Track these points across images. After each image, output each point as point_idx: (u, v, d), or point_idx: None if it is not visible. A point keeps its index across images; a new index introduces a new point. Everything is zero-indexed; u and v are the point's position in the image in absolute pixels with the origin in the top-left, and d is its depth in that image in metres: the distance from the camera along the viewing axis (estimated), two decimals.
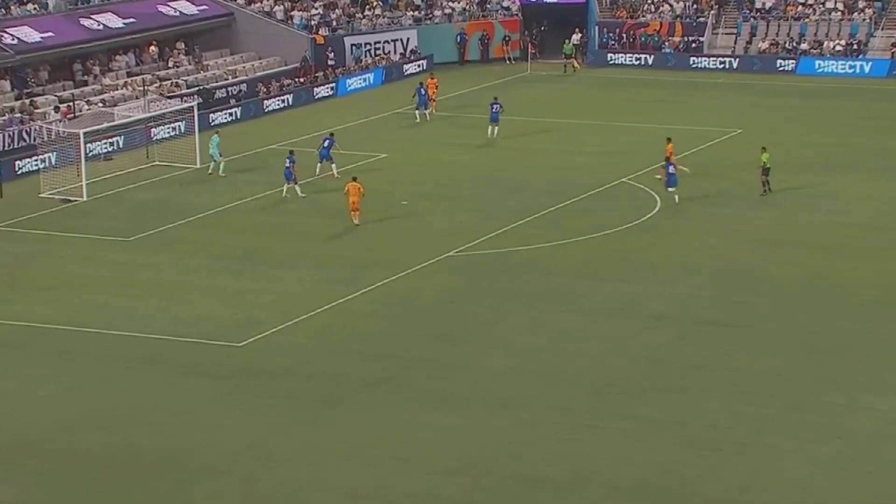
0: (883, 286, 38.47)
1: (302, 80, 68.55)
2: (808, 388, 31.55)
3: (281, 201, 48.65)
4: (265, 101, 64.73)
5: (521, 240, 43.54)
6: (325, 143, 51.32)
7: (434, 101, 62.02)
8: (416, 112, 61.42)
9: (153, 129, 56.51)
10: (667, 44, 76.62)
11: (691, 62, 74.41)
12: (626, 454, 28.36)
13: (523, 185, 50.48)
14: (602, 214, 45.74)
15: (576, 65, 73.68)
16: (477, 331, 35.84)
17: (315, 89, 67.89)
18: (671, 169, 47.15)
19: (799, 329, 35.38)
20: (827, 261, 40.95)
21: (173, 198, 49.81)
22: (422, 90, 61.58)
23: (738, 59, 74.34)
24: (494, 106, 57.62)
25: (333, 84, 69.14)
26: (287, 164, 48.26)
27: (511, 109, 60.15)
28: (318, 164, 51.23)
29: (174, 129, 57.56)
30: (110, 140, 55.69)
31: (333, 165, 50.90)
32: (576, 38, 77.68)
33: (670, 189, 46.83)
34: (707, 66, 74.11)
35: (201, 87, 63.66)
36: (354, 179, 44.69)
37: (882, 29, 74.61)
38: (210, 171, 51.76)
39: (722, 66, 74.16)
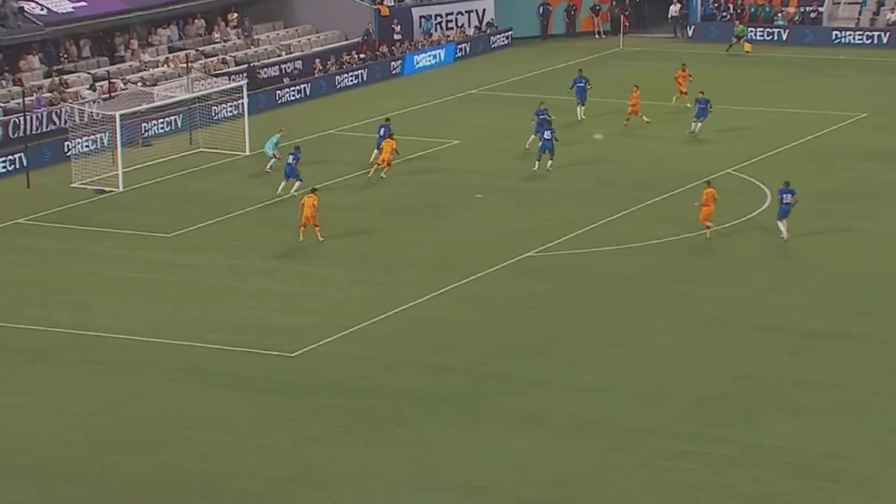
0: None
1: (364, 56, 68.73)
2: None
3: (335, 195, 48.79)
4: (323, 81, 64.93)
5: (609, 239, 43.35)
6: (381, 132, 51.31)
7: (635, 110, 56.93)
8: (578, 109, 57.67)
9: (198, 111, 56.89)
10: (780, 15, 75.87)
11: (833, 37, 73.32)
12: (729, 484, 28.12)
13: (613, 176, 50.27)
14: (693, 212, 45.32)
15: (747, 47, 71.60)
16: (558, 342, 35.73)
17: (379, 67, 68.03)
18: (787, 198, 42.82)
19: None
20: None
21: (218, 189, 50.19)
22: (580, 81, 58.18)
23: (863, 33, 73.42)
24: (580, 81, 57.28)
25: (400, 61, 69.28)
26: (290, 161, 47.91)
27: (601, 90, 59.88)
28: (374, 153, 51.25)
29: (221, 111, 57.89)
30: (150, 123, 56.20)
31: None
32: (674, 8, 77.22)
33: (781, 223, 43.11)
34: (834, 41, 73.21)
35: (250, 65, 64.06)
36: (314, 191, 43.67)
37: None
38: (268, 169, 51.80)
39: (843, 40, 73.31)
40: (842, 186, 48.61)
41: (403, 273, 40.89)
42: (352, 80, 66.27)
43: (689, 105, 57.43)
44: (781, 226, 43.00)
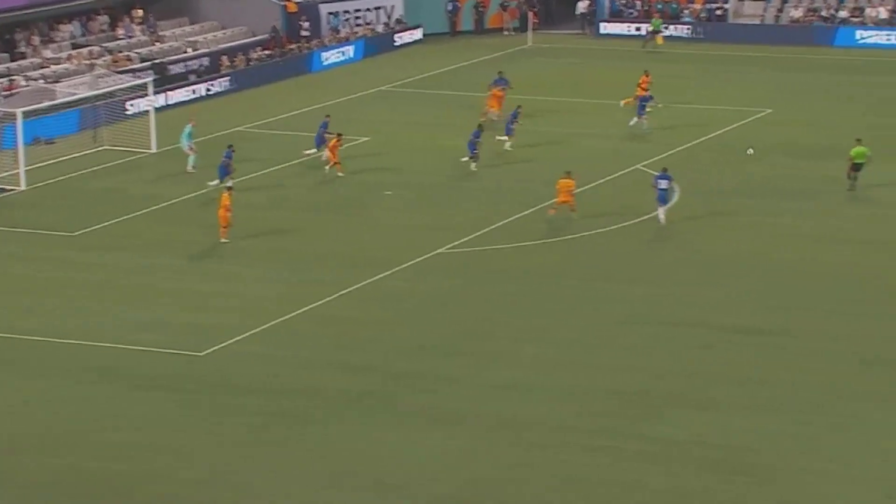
0: None
1: (272, 53, 68.31)
2: (854, 406, 31.48)
3: (251, 192, 48.43)
4: (230, 78, 64.46)
5: (522, 235, 43.42)
6: (321, 129, 51.22)
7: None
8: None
9: (101, 109, 56.21)
10: (686, 11, 76.59)
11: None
12: (644, 479, 28.25)
13: (525, 172, 50.36)
14: (614, 206, 45.61)
15: (659, 41, 72.56)
16: (472, 340, 35.70)
17: (287, 64, 67.65)
18: (663, 184, 43.86)
19: (845, 338, 35.31)
20: (879, 260, 40.90)
21: (124, 187, 49.61)
22: (501, 82, 57.97)
23: (767, 29, 74.38)
24: (500, 82, 57.14)
25: (307, 58, 68.94)
26: (225, 158, 47.68)
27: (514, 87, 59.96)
28: (318, 150, 50.87)
29: (126, 108, 57.27)
30: (52, 121, 55.40)
31: (317, 149, 50.82)
32: (582, 5, 77.67)
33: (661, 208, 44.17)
34: (733, 37, 74.17)
35: (156, 61, 63.43)
36: (228, 190, 43.37)
37: None
38: (191, 168, 51.22)
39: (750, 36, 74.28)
40: (750, 182, 49.07)
41: (315, 271, 40.67)
42: (260, 77, 65.83)
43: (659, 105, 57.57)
44: (660, 212, 43.78)
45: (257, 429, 30.80)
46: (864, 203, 46.23)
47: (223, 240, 42.77)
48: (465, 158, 50.03)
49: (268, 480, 28.44)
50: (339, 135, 50.09)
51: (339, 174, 49.39)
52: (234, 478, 28.61)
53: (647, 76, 58.69)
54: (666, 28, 74.05)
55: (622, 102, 56.91)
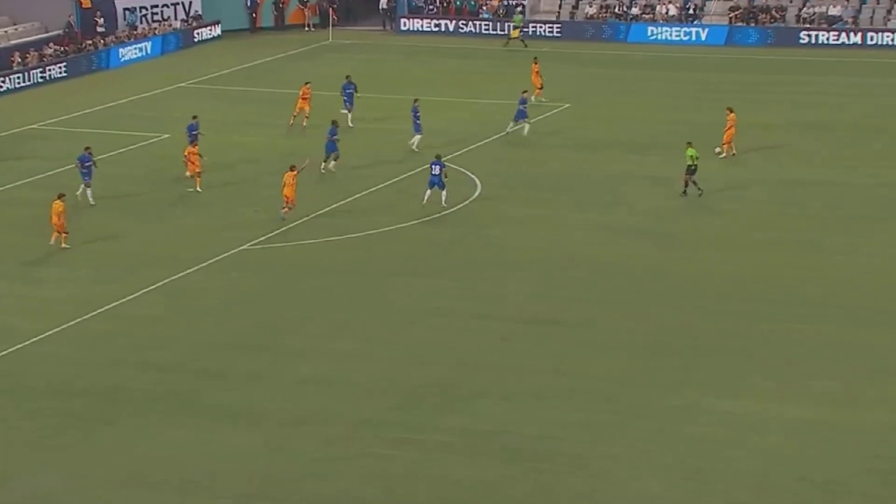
0: (724, 277, 39.54)
1: (67, 49, 66.96)
2: (648, 392, 32.22)
3: (36, 191, 47.44)
4: (22, 74, 62.99)
5: (323, 231, 43.39)
6: (190, 130, 49.24)
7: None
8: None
9: None
10: (484, 8, 77.43)
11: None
12: (446, 471, 28.51)
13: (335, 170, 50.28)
14: (415, 201, 45.87)
15: (514, 34, 72.51)
16: (274, 337, 35.56)
17: (81, 60, 66.39)
18: (435, 170, 44.99)
19: (636, 327, 36.09)
20: (664, 251, 41.88)
21: None
22: (349, 87, 56.18)
23: (564, 26, 75.66)
24: (349, 87, 55.72)
25: (104, 54, 67.75)
26: (83, 163, 45.56)
27: (314, 84, 59.64)
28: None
29: None
30: None
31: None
32: (383, 1, 78.03)
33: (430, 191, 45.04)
34: (532, 32, 75.26)
35: None
36: (60, 197, 41.66)
37: None
38: None
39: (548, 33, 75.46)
40: (550, 175, 49.80)
41: (113, 270, 40.02)
42: (54, 74, 64.50)
43: (543, 100, 57.64)
44: (428, 194, 44.95)
45: (53, 430, 30.21)
46: (653, 197, 47.23)
47: (64, 245, 41.26)
48: (329, 163, 48.95)
49: (63, 482, 27.94)
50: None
51: (198, 190, 47.13)
52: (29, 481, 28.00)
53: (536, 63, 59.31)
54: (526, 27, 73.89)
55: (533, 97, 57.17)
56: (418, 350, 34.70)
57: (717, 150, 51.15)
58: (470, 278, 39.55)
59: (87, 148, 46.14)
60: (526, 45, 71.50)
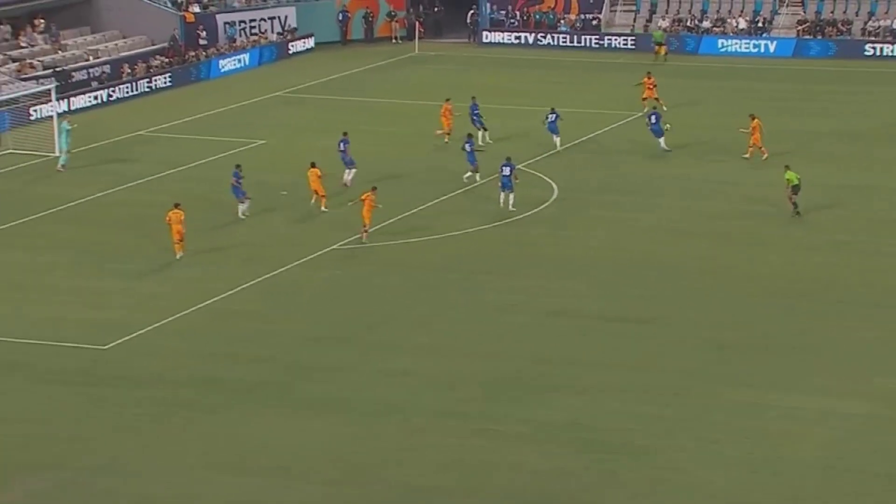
0: (790, 279, 39.13)
1: (171, 60, 67.67)
2: (715, 387, 31.97)
3: (151, 193, 47.99)
4: (130, 84, 63.74)
5: (409, 232, 43.47)
6: (341, 146, 48.21)
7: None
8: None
9: (5, 115, 55.29)
10: (562, 21, 77.20)
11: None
12: (521, 460, 28.44)
13: (411, 173, 50.40)
14: (492, 204, 45.80)
15: (661, 51, 71.26)
16: (361, 331, 35.68)
17: (185, 71, 67.07)
18: (506, 171, 44.46)
19: (704, 324, 35.83)
20: (730, 252, 41.55)
21: (28, 189, 48.85)
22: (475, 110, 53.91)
23: (638, 38, 75.20)
24: (551, 116, 53.40)
25: (205, 65, 68.40)
26: (233, 181, 44.68)
27: (395, 92, 59.99)
28: (347, 172, 48.03)
29: (29, 114, 56.42)
30: None
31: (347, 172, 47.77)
32: (470, 15, 78.03)
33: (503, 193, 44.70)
34: (608, 45, 74.92)
35: (59, 69, 62.51)
36: (177, 206, 40.97)
37: (786, 6, 76.02)
38: (60, 165, 50.74)
39: (623, 44, 75.05)
40: (622, 179, 49.56)
41: (212, 268, 40.35)
42: (159, 84, 65.22)
43: (665, 108, 57.24)
44: (502, 196, 44.73)
45: (157, 417, 30.53)
46: (718, 200, 46.90)
47: (179, 255, 40.74)
48: (469, 173, 48.31)
49: (167, 467, 28.22)
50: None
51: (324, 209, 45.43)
52: (135, 465, 28.35)
53: (649, 78, 58.55)
54: (665, 42, 72.32)
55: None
56: (496, 345, 34.66)
57: (745, 155, 51.00)
58: (545, 277, 39.45)
59: (237, 166, 45.28)
60: (665, 60, 70.84)
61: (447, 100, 54.40)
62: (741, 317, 36.35)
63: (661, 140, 52.49)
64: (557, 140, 53.16)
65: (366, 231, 41.90)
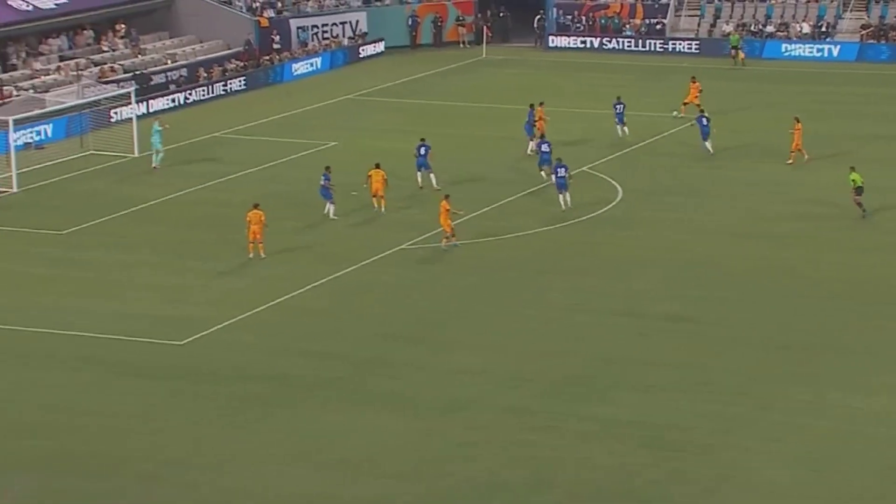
0: (849, 280, 38.78)
1: (245, 64, 68.18)
2: (776, 386, 31.75)
3: (220, 193, 48.39)
4: (207, 88, 64.32)
5: (475, 232, 43.51)
6: (422, 151, 48.02)
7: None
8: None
9: (88, 117, 55.97)
10: (628, 26, 76.89)
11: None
12: (587, 456, 28.41)
13: (477, 174, 50.44)
14: (557, 206, 45.69)
15: (741, 56, 70.79)
16: (430, 329, 35.78)
17: (259, 74, 67.56)
18: (561, 172, 44.80)
19: (765, 325, 35.58)
20: (792, 253, 41.24)
21: (109, 189, 49.43)
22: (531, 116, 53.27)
23: (702, 43, 74.73)
24: (618, 106, 54.87)
25: (279, 69, 68.85)
26: (322, 182, 44.82)
27: (463, 95, 60.00)
28: (419, 175, 47.78)
29: (110, 116, 57.10)
30: (41, 128, 55.16)
31: (432, 175, 47.53)
32: (536, 19, 77.94)
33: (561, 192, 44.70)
34: (673, 49, 74.56)
35: (138, 72, 63.21)
36: (256, 207, 40.94)
37: (850, 11, 75.22)
38: (154, 165, 51.44)
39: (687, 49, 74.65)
40: (685, 181, 49.32)
41: (285, 266, 40.63)
42: (235, 87, 65.74)
43: (681, 115, 56.93)
44: (561, 198, 44.79)
45: (232, 411, 30.80)
46: (779, 202, 46.53)
47: (260, 255, 40.57)
48: (543, 173, 48.44)
49: (240, 458, 28.47)
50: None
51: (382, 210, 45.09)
52: (211, 457, 28.62)
53: (694, 82, 58.12)
54: (741, 47, 71.68)
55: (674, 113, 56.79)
56: (560, 343, 34.63)
57: (789, 161, 50.58)
58: (609, 277, 39.35)
59: (327, 168, 45.43)
60: (743, 64, 70.34)
61: (541, 103, 54.14)
62: (803, 317, 36.07)
63: (707, 142, 52.23)
64: (621, 129, 53.54)
65: (447, 237, 41.77)
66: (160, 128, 51.87)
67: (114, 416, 30.64)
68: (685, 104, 57.73)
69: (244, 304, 37.19)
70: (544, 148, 48.94)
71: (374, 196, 45.30)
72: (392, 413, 30.62)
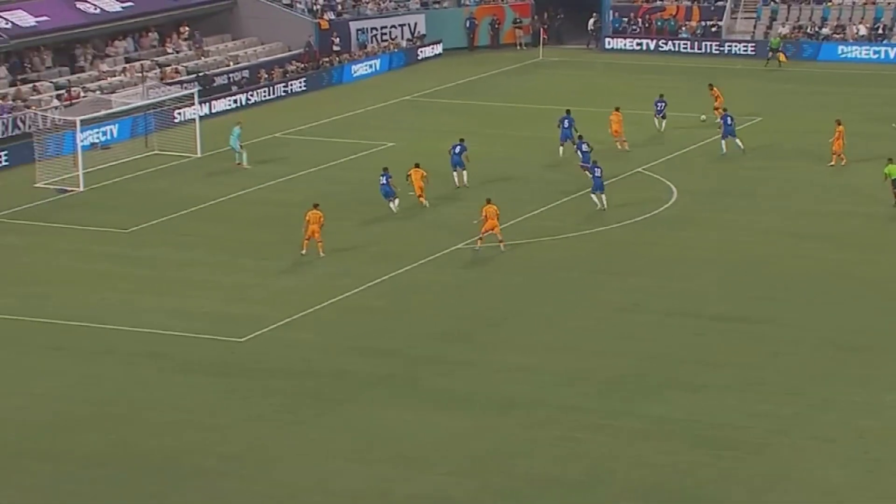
0: None
1: (306, 66, 68.36)
2: (831, 387, 31.33)
3: (287, 192, 48.49)
4: (268, 89, 64.53)
5: (530, 232, 43.32)
6: (457, 150, 48.07)
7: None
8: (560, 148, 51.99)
9: (152, 117, 56.33)
10: (683, 28, 76.29)
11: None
12: (641, 454, 28.15)
13: (532, 175, 50.23)
14: (616, 205, 45.46)
15: (782, 58, 70.05)
16: (485, 328, 35.63)
17: (319, 76, 67.71)
18: (597, 172, 44.77)
19: (820, 325, 35.14)
20: (849, 254, 40.72)
21: (172, 188, 49.69)
22: (566, 121, 52.16)
23: (758, 45, 74.00)
24: (660, 104, 55.41)
25: (339, 70, 68.96)
26: (383, 181, 44.79)
27: (520, 97, 59.70)
28: (454, 174, 47.91)
29: (174, 116, 57.45)
30: (107, 128, 55.58)
31: (465, 173, 47.69)
32: (591, 22, 77.54)
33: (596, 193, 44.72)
34: (728, 51, 73.92)
35: (201, 74, 63.53)
36: (316, 207, 41.04)
37: None
38: (237, 163, 51.81)
39: (743, 51, 73.98)
40: (740, 183, 48.84)
41: (342, 265, 40.62)
42: (295, 88, 65.93)
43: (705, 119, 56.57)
44: (595, 198, 44.72)
45: (289, 408, 30.81)
46: (832, 203, 46.00)
47: (320, 254, 40.62)
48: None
49: (298, 455, 28.47)
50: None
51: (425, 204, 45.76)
52: (268, 452, 28.63)
53: (712, 89, 57.55)
54: (783, 49, 71.02)
55: (703, 117, 56.29)
56: (615, 342, 34.37)
57: (831, 163, 50.08)
58: (663, 277, 39.02)
59: (385, 168, 45.49)
60: (779, 65, 69.73)
61: (616, 108, 53.74)
62: (858, 318, 35.58)
63: (738, 140, 51.98)
64: (658, 121, 54.37)
65: (501, 241, 41.55)
66: (240, 130, 52.04)
67: (173, 410, 30.75)
68: (716, 109, 57.01)
69: (303, 303, 37.22)
70: (584, 148, 48.61)
71: (419, 196, 45.31)
72: (446, 410, 30.51)
